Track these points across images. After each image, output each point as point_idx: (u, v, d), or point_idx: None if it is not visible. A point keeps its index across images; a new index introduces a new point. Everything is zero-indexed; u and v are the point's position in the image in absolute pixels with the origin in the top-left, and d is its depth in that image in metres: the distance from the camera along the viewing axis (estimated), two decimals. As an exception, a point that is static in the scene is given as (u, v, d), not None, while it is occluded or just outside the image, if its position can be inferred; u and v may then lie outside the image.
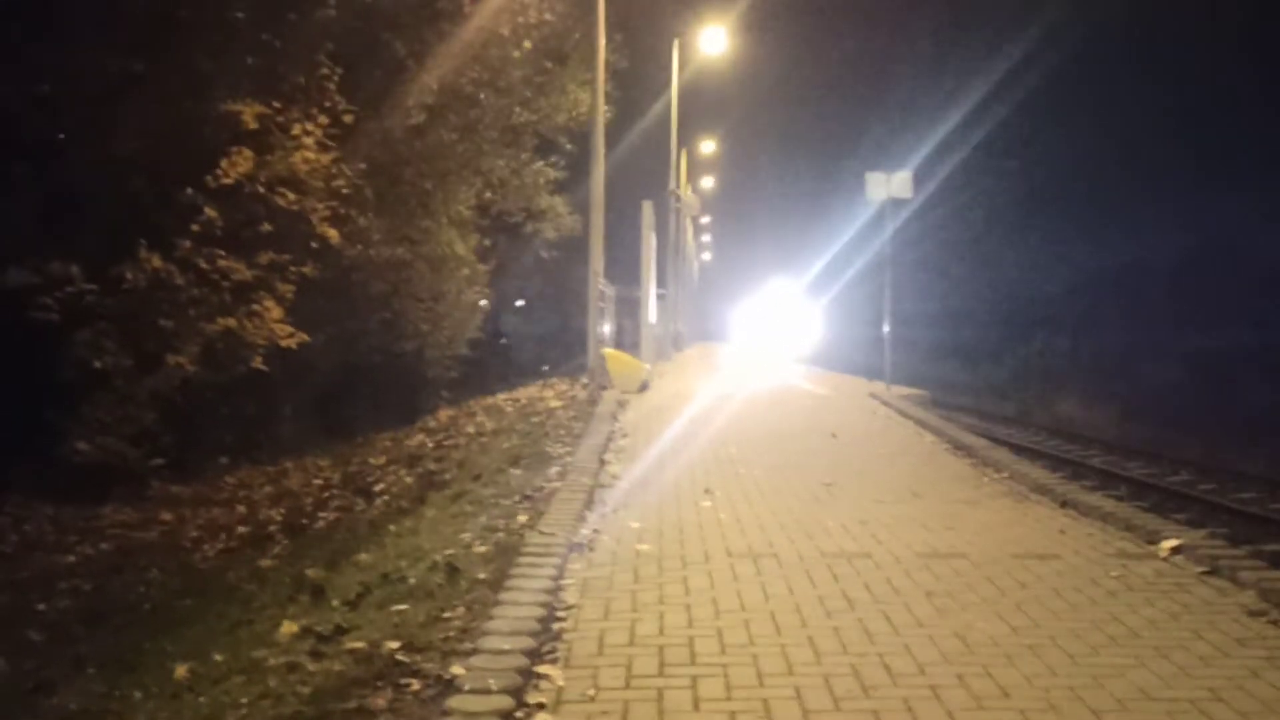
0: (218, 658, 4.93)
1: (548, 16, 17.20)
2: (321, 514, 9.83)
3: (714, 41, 26.65)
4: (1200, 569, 4.90)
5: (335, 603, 5.15)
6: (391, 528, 7.48)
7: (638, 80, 24.87)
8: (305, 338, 12.96)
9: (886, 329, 16.32)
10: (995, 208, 41.51)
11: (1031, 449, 15.21)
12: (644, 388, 14.86)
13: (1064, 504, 6.54)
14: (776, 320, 37.34)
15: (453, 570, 4.94)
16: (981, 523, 6.05)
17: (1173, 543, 5.26)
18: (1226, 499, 11.67)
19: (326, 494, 10.76)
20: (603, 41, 16.26)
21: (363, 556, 6.45)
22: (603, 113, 16.50)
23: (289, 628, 4.70)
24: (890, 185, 14.98)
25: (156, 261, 11.63)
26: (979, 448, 9.04)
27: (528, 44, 16.98)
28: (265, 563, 8.13)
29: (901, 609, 4.33)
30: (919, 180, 19.44)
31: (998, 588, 4.65)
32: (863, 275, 28.99)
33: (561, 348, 26.38)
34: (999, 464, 8.13)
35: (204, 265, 11.97)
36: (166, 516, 10.52)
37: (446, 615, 4.27)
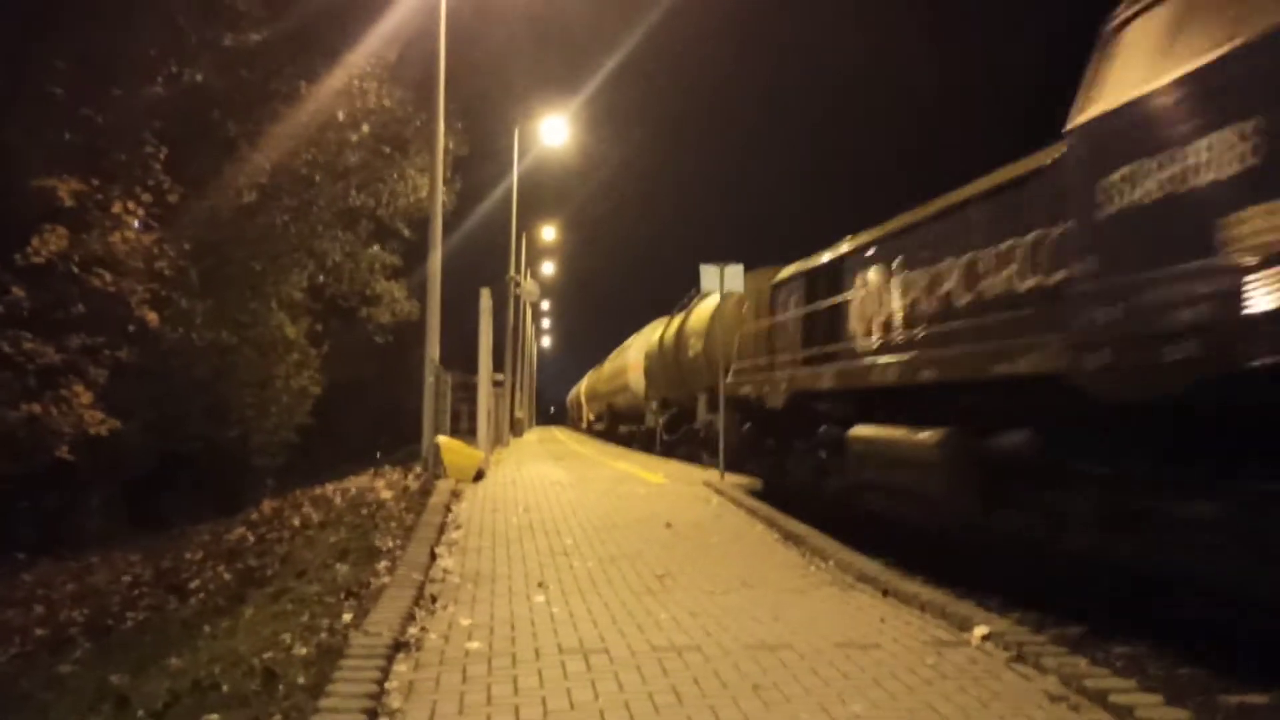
0: (3, 780, 4.54)
1: (386, 102, 17.22)
2: (130, 614, 9.24)
3: (555, 132, 27.24)
4: (1007, 655, 5.15)
5: (140, 713, 4.84)
6: (206, 629, 7.11)
7: (479, 167, 25.08)
8: (117, 425, 12.33)
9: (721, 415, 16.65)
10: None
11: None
12: (479, 476, 14.67)
13: (885, 592, 6.78)
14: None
15: (270, 675, 4.72)
16: (807, 613, 6.20)
17: (983, 630, 5.51)
18: (1038, 579, 12.25)
19: (136, 592, 10.14)
20: (442, 128, 16.33)
21: (173, 661, 6.10)
22: (441, 199, 16.50)
23: (86, 744, 4.38)
24: (724, 278, 15.36)
25: (-47, 343, 10.91)
26: (807, 536, 9.27)
27: (366, 128, 16.95)
28: (64, 669, 7.58)
29: (729, 703, 4.38)
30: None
31: (821, 678, 4.77)
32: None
33: (395, 434, 25.84)
34: (825, 552, 8.36)
35: (7, 348, 11.29)
36: (-48, 619, 9.69)
37: (261, 726, 4.07)
